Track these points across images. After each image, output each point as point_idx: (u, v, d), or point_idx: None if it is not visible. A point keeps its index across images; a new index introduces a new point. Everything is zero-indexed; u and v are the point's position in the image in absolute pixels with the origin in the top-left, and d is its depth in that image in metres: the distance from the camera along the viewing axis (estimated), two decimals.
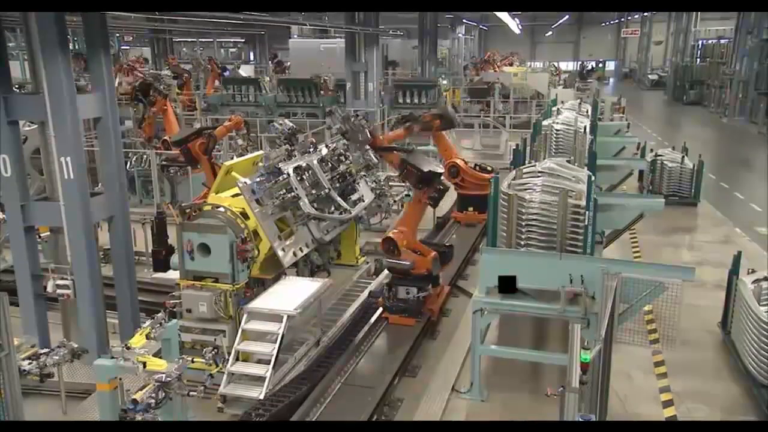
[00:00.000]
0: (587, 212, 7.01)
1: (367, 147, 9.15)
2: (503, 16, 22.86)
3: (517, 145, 10.09)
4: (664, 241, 12.94)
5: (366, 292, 9.62)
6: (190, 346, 7.65)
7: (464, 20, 37.57)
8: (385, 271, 9.33)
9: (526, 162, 9.43)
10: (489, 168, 13.81)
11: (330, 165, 9.27)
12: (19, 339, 5.85)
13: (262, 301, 7.47)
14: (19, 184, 7.36)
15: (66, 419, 6.92)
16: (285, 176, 8.26)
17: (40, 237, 8.40)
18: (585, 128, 11.34)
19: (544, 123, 11.52)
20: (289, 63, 30.05)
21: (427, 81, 25.14)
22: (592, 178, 7.74)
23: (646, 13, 49.92)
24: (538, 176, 7.69)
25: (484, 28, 51.43)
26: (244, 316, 7.28)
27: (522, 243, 7.31)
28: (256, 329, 7.22)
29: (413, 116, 12.05)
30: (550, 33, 61.42)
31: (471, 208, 13.37)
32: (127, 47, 37.24)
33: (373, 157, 9.38)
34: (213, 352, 6.50)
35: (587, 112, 14.12)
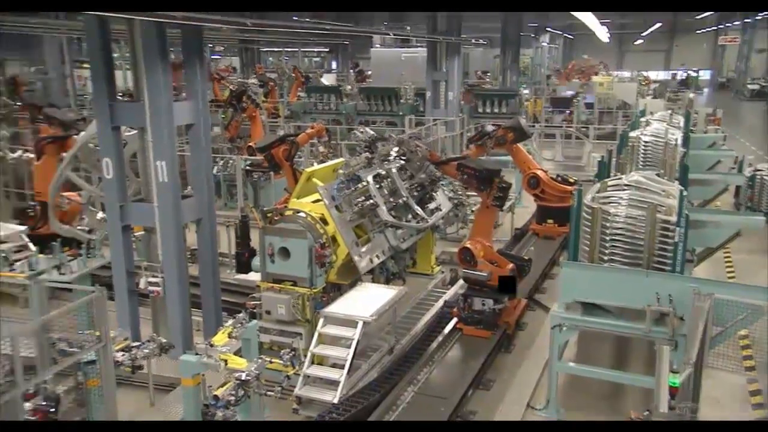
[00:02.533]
0: (678, 228, 6.67)
1: (427, 163, 9.09)
2: (591, 23, 22.12)
3: (602, 156, 9.73)
4: (762, 262, 12.09)
5: (441, 302, 9.57)
6: (268, 347, 7.88)
7: (548, 28, 36.78)
8: (461, 281, 9.24)
9: (611, 174, 9.09)
10: (571, 180, 13.42)
11: (409, 173, 9.31)
12: (113, 331, 6.20)
13: (338, 306, 7.58)
14: (119, 185, 7.86)
15: (153, 410, 7.28)
16: (364, 184, 8.37)
17: (134, 236, 8.91)
18: (677, 140, 10.80)
19: (632, 134, 11.06)
20: (370, 72, 30.48)
21: (507, 90, 24.79)
22: (684, 192, 7.36)
23: (747, 19, 47.02)
24: (625, 189, 7.39)
25: (570, 36, 50.16)
26: (321, 320, 7.41)
27: (605, 258, 7.04)
28: (331, 333, 7.33)
29: (485, 132, 11.92)
30: (640, 41, 59.08)
31: (550, 221, 13.03)
32: (219, 57, 39.00)
33: (435, 171, 9.24)
34: (290, 354, 6.65)
35: (679, 123, 13.45)
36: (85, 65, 27.17)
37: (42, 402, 5.16)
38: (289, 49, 39.70)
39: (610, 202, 7.24)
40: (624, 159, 9.52)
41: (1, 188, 14.14)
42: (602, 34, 30.98)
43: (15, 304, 9.24)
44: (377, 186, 8.53)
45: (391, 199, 8.71)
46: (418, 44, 24.86)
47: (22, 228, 11.02)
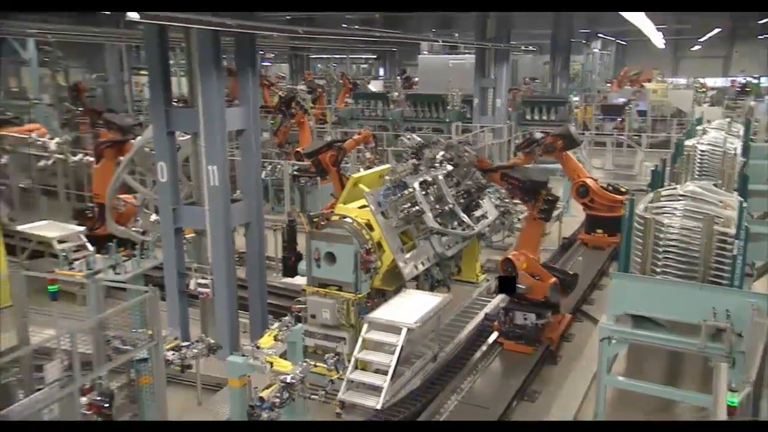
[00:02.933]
0: (737, 241, 6.41)
1: (474, 169, 8.95)
2: (647, 29, 21.48)
3: (656, 166, 9.45)
4: None
5: (485, 311, 9.47)
6: (312, 351, 7.95)
7: (600, 34, 36.04)
8: (503, 294, 9.00)
9: (666, 184, 8.83)
10: (622, 189, 13.09)
11: (455, 180, 9.26)
12: (164, 331, 6.38)
13: (383, 312, 7.59)
14: (173, 189, 8.08)
15: (200, 410, 7.43)
16: (410, 190, 8.38)
17: (185, 238, 9.15)
18: (736, 150, 10.40)
19: (687, 143, 10.70)
20: (417, 78, 30.53)
21: (557, 97, 24.40)
22: (744, 204, 7.08)
23: None
24: (679, 200, 7.16)
25: (623, 42, 49.01)
26: (365, 326, 7.44)
27: (658, 270, 6.83)
28: (375, 339, 7.35)
29: (534, 139, 11.72)
30: (698, 47, 57.15)
31: (600, 230, 12.73)
32: (269, 63, 39.75)
33: (482, 179, 9.10)
34: (334, 359, 6.69)
35: (738, 132, 12.94)
36: (143, 72, 28.16)
37: (97, 397, 5.34)
38: (337, 56, 40.15)
39: (664, 213, 7.03)
40: (679, 168, 9.22)
41: (62, 190, 14.77)
42: (658, 39, 30.08)
43: (73, 301, 9.58)
44: (423, 192, 8.52)
45: (437, 206, 8.68)
46: (466, 51, 24.74)
47: (81, 228, 11.48)
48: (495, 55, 19.85)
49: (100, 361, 5.47)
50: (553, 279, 8.41)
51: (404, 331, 7.13)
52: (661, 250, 6.81)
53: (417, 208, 8.31)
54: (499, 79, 20.15)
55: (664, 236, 6.80)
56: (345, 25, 22.12)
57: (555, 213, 12.14)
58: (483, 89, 20.39)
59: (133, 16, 5.23)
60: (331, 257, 8.06)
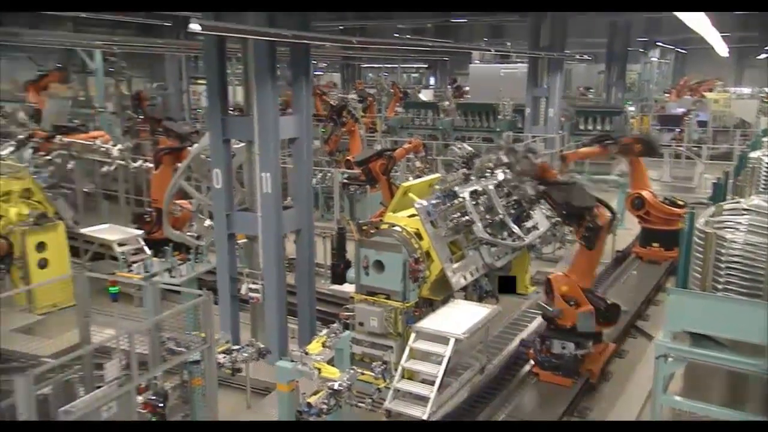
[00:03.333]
0: None
1: (529, 179, 8.40)
2: (710, 36, 20.72)
3: (718, 178, 9.10)
4: None
5: (534, 324, 9.29)
6: (359, 358, 7.97)
7: (659, 43, 35.03)
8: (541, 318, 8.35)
9: (728, 198, 8.49)
10: (679, 202, 12.66)
11: (506, 191, 9.15)
12: (216, 334, 6.52)
13: (430, 322, 7.55)
14: (227, 195, 8.28)
15: (249, 413, 7.55)
16: (460, 200, 8.32)
17: (238, 243, 9.35)
18: None
19: (752, 155, 10.26)
20: (467, 88, 30.39)
21: (612, 107, 23.85)
22: None
23: None
24: (743, 214, 6.86)
25: (683, 51, 47.51)
26: (412, 335, 7.41)
27: (719, 287, 6.56)
28: (423, 349, 7.31)
29: (612, 136, 11.38)
30: (764, 55, 54.73)
31: (656, 244, 12.34)
32: (321, 73, 40.34)
33: (532, 191, 8.55)
34: (382, 367, 6.70)
35: None
36: (200, 81, 29.04)
37: (152, 396, 5.50)
38: (388, 66, 40.43)
39: (726, 227, 6.75)
40: (743, 181, 8.87)
41: (123, 195, 15.35)
42: (721, 48, 29.00)
43: (131, 302, 9.93)
44: (473, 202, 8.45)
45: (488, 216, 8.59)
46: (518, 60, 24.50)
47: (140, 232, 11.89)
48: (548, 64, 19.58)
49: (155, 362, 5.63)
50: (588, 307, 7.69)
51: (452, 341, 7.07)
52: (722, 266, 6.54)
53: (467, 217, 8.24)
54: (552, 89, 19.86)
55: (727, 252, 6.52)
56: (397, 35, 22.24)
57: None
58: (535, 99, 20.13)
59: (194, 27, 5.40)
60: (379, 265, 8.08)
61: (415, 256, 8.00)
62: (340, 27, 20.22)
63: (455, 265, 8.34)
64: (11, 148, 12.83)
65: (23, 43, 19.78)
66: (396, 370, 7.29)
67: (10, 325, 9.04)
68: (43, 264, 10.45)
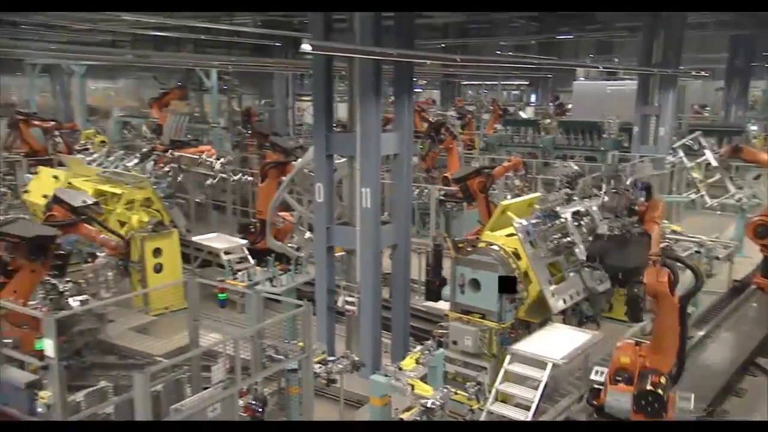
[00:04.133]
0: None
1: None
2: None
3: None
4: None
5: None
6: (452, 377, 7.88)
7: None
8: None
9: None
10: None
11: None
12: (313, 345, 6.69)
13: (527, 345, 7.34)
14: (328, 209, 8.53)
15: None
16: (562, 220, 8.07)
17: (335, 257, 9.57)
18: None
19: None
20: (570, 105, 29.54)
21: (731, 126, 22.28)
22: None
23: None
24: None
25: None
26: (508, 357, 7.24)
27: None
28: (518, 372, 7.12)
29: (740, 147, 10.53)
30: None
31: None
32: (420, 90, 40.72)
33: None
34: (476, 388, 6.59)
35: None
36: (304, 98, 30.19)
37: (252, 401, 5.72)
38: (488, 83, 40.14)
39: None
40: None
41: (230, 206, 16.21)
42: None
43: (233, 308, 10.41)
44: (576, 223, 8.17)
45: (590, 238, 8.26)
46: (626, 76, 23.50)
47: (244, 242, 12.48)
48: (660, 80, 18.63)
49: (256, 368, 5.86)
50: (626, 388, 5.83)
51: (549, 366, 6.84)
52: None
53: (568, 239, 7.98)
54: (663, 107, 18.85)
55: None
56: (499, 52, 22.09)
57: (725, 252, 11.04)
58: (645, 117, 19.18)
59: (305, 48, 5.65)
60: (475, 284, 7.98)
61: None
62: (442, 45, 20.38)
63: (554, 287, 8.07)
64: (136, 160, 13.92)
65: (150, 63, 21.55)
66: (490, 391, 7.14)
67: (127, 325, 9.74)
68: (158, 268, 11.21)
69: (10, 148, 18.72)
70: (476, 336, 7.75)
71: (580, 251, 8.00)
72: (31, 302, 7.34)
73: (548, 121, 23.88)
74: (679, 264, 5.79)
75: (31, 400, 4.95)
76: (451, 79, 33.75)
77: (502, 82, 39.56)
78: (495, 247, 8.19)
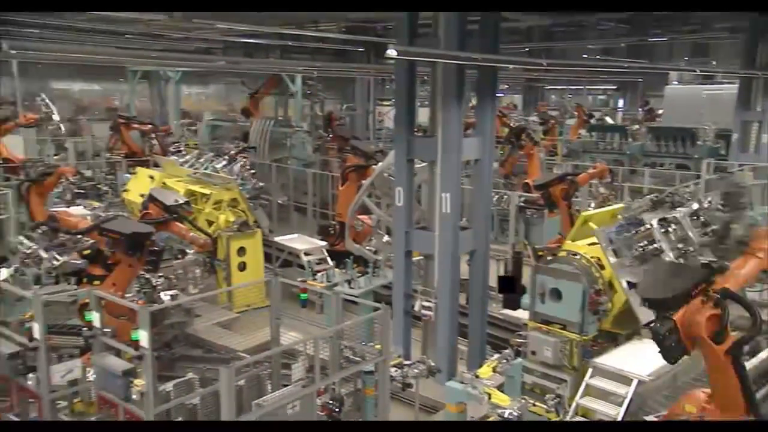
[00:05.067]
0: None
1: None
2: None
3: None
4: None
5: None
6: (529, 388, 7.68)
7: None
8: None
9: None
10: None
11: (702, 221, 8.26)
12: (390, 348, 6.72)
13: (611, 358, 7.06)
14: (407, 213, 8.56)
15: None
16: (647, 227, 7.70)
17: (413, 261, 9.58)
18: None
19: None
20: (661, 110, 28.19)
21: None
22: None
23: None
24: None
25: None
26: (590, 370, 6.99)
27: None
28: (600, 387, 6.85)
29: None
30: None
31: None
32: (501, 94, 40.16)
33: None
34: (555, 400, 6.41)
35: None
36: (385, 103, 30.46)
37: (330, 401, 5.82)
38: (573, 87, 39.01)
39: None
40: None
41: (311, 208, 16.61)
42: None
43: (312, 308, 10.64)
44: (663, 231, 7.77)
45: (680, 246, 7.81)
46: (724, 80, 22.16)
47: (324, 243, 12.75)
48: (763, 84, 17.43)
49: (334, 368, 5.95)
50: None
51: (635, 382, 6.54)
52: None
53: (655, 246, 7.59)
54: (767, 112, 17.63)
55: None
56: (586, 56, 21.42)
57: None
58: (745, 123, 18.01)
59: (391, 53, 5.72)
60: (556, 294, 7.75)
61: (596, 286, 7.56)
62: (526, 49, 20.00)
63: None
64: (224, 162, 14.54)
65: (239, 69, 22.47)
66: (570, 405, 6.92)
67: (213, 320, 10.18)
68: (242, 267, 11.64)
69: (112, 149, 20.04)
70: (556, 347, 7.52)
71: (670, 260, 7.59)
72: (127, 295, 7.81)
73: (637, 126, 22.89)
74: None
75: (127, 387, 5.26)
76: (534, 83, 33.04)
77: (587, 87, 38.34)
78: (578, 257, 7.93)
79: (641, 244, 7.56)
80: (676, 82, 25.02)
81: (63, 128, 18.94)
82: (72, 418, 6.31)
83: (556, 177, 11.86)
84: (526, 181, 15.52)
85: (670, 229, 7.80)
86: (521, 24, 15.94)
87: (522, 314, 9.26)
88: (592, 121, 26.48)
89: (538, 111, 29.38)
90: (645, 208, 7.99)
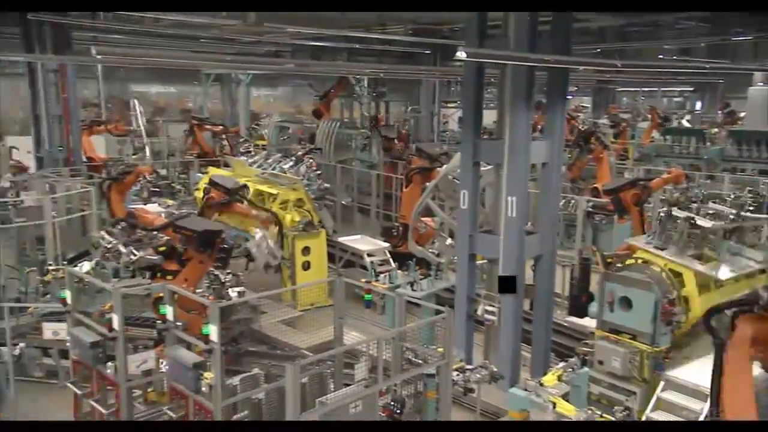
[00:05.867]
0: None
1: None
2: None
3: None
4: None
5: None
6: (596, 399, 7.46)
7: None
8: None
9: None
10: None
11: None
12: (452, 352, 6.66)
13: (685, 372, 6.75)
14: (471, 216, 8.48)
15: None
16: None
17: (477, 265, 9.48)
18: None
19: None
20: (743, 114, 26.73)
21: None
22: None
23: None
24: None
25: None
26: (661, 384, 6.71)
27: None
28: (673, 401, 6.56)
29: None
30: None
31: None
32: (571, 96, 39.18)
33: None
34: (624, 413, 6.19)
35: None
36: (449, 105, 30.30)
37: (391, 402, 5.83)
38: (647, 89, 37.56)
39: None
40: None
41: (374, 209, 16.73)
42: None
43: (374, 309, 10.68)
44: None
45: None
46: None
47: (386, 245, 12.79)
48: None
49: (396, 370, 5.96)
50: None
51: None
52: None
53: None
54: None
55: None
56: (661, 56, 20.58)
57: None
58: None
59: (461, 55, 5.68)
60: (626, 302, 7.49)
61: (669, 297, 7.25)
62: (597, 50, 19.41)
63: None
64: (291, 163, 14.86)
65: (307, 72, 22.92)
66: (639, 418, 6.67)
67: (277, 317, 10.41)
68: (306, 266, 11.85)
69: (186, 150, 20.88)
70: (625, 358, 7.26)
71: None
72: (197, 290, 8.09)
73: (716, 130, 21.81)
74: None
75: (197, 379, 5.45)
76: (605, 85, 32.03)
77: (662, 88, 36.85)
78: (651, 265, 7.64)
79: None
80: (761, 84, 23.66)
81: (144, 131, 19.99)
82: (145, 408, 6.60)
83: (628, 182, 11.51)
84: (595, 185, 15.07)
85: None
86: (592, 24, 15.49)
87: (588, 322, 8.99)
88: (667, 124, 25.43)
89: (609, 113, 28.50)
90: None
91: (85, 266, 8.81)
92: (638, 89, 38.20)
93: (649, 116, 25.91)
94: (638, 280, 7.46)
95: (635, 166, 21.18)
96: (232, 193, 9.39)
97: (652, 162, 21.54)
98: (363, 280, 10.65)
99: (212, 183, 9.77)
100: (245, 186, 10.21)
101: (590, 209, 14.62)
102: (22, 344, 8.62)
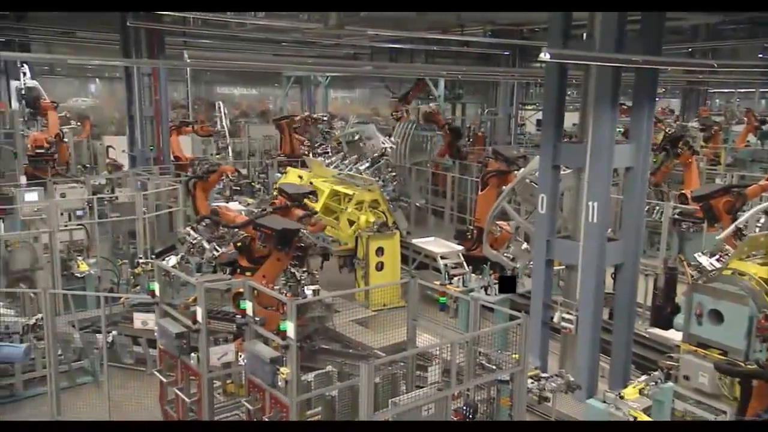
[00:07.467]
0: None
1: None
2: None
3: None
4: None
5: None
6: (680, 416, 7.08)
7: None
8: None
9: None
10: None
11: None
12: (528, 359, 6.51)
13: None
14: (550, 221, 8.27)
15: None
16: None
17: (554, 271, 9.23)
18: None
19: None
20: None
21: None
22: None
23: None
24: None
25: None
26: None
27: None
28: None
29: None
30: None
31: None
32: (657, 98, 37.50)
33: None
34: None
35: None
36: (527, 107, 29.67)
37: (463, 406, 5.76)
38: (743, 90, 35.35)
39: None
40: None
41: (448, 212, 16.63)
42: None
43: (447, 313, 10.62)
44: None
45: None
46: None
47: (460, 248, 12.69)
48: None
49: (469, 374, 5.89)
50: None
51: None
52: None
53: None
54: None
55: None
56: (761, 55, 19.35)
57: None
58: None
59: (544, 57, 5.55)
60: (717, 316, 7.07)
61: (766, 311, 6.78)
62: (688, 49, 18.47)
63: None
64: (367, 164, 15.03)
65: (384, 74, 23.13)
66: None
67: (350, 317, 10.54)
68: (379, 267, 11.94)
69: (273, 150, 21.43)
70: (714, 374, 6.86)
71: None
72: (275, 287, 8.31)
73: None
74: None
75: (274, 373, 5.59)
76: (695, 86, 30.40)
77: (760, 89, 34.55)
78: (746, 277, 7.17)
79: None
80: None
81: (227, 132, 20.81)
82: (225, 399, 6.83)
83: (720, 188, 10.83)
84: (683, 191, 14.33)
85: None
86: (684, 23, 14.75)
87: (672, 335, 8.58)
88: (765, 127, 23.86)
89: (700, 116, 27.05)
90: None
91: (172, 260, 9.23)
92: (733, 90, 35.99)
93: (745, 119, 24.38)
94: (731, 292, 7.03)
95: (728, 171, 19.99)
96: (293, 199, 10.09)
97: (746, 167, 20.28)
98: (436, 282, 10.62)
99: (279, 190, 10.77)
100: (312, 192, 11.12)
101: (677, 216, 13.92)
102: (114, 332, 9.14)
